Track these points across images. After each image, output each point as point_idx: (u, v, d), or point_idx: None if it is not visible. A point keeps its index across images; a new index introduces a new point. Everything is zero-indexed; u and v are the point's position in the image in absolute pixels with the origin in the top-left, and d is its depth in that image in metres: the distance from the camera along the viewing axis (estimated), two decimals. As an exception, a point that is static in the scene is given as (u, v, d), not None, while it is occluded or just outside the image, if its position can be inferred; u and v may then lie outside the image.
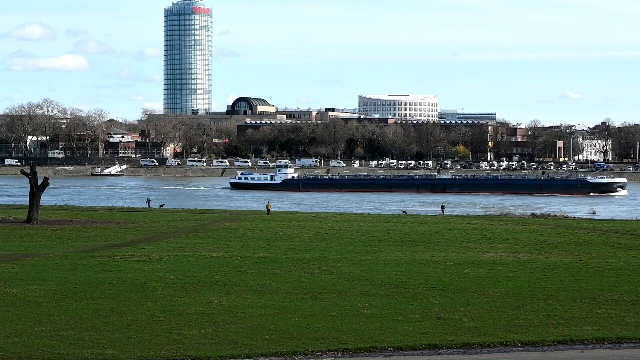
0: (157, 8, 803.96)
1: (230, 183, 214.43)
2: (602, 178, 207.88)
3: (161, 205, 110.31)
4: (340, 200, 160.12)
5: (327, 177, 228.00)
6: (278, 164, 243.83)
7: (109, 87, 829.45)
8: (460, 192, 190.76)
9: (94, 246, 58.04)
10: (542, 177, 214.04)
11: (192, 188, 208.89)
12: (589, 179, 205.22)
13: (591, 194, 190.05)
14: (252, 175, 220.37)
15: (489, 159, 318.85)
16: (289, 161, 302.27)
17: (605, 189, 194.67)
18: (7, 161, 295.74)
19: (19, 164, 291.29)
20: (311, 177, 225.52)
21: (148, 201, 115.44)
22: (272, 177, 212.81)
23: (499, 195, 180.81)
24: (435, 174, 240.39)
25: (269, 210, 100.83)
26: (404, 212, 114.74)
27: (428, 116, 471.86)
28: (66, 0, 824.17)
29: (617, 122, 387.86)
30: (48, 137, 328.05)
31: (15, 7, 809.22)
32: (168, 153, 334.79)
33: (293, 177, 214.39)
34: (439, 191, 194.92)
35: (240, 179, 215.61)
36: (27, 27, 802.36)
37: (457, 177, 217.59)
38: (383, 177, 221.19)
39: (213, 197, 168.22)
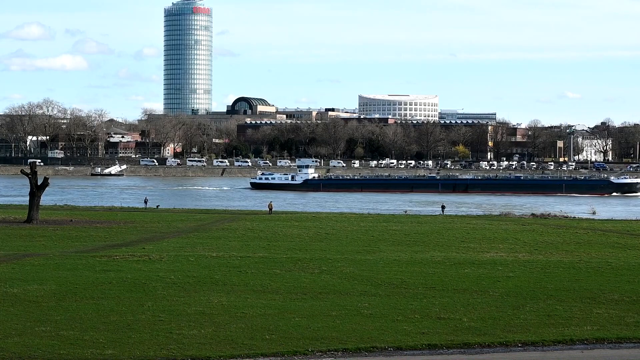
0: (155, 8, 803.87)
1: (251, 183, 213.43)
2: (625, 178, 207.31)
3: (157, 206, 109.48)
4: (362, 201, 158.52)
5: (348, 177, 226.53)
6: (298, 164, 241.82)
7: (108, 87, 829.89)
8: (483, 193, 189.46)
9: (94, 246, 58.06)
10: (565, 178, 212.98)
11: (207, 188, 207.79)
12: (612, 179, 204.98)
13: (614, 194, 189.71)
14: (272, 176, 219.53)
15: (489, 159, 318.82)
16: (289, 161, 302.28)
17: (628, 189, 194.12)
18: (30, 161, 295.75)
19: (42, 164, 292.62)
20: (332, 177, 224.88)
21: (145, 201, 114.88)
22: (293, 177, 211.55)
23: (522, 196, 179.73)
24: (457, 174, 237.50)
25: (270, 209, 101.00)
26: (405, 211, 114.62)
27: (428, 116, 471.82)
28: (64, 0, 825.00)
29: (617, 122, 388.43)
30: (48, 137, 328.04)
31: (13, 7, 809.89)
32: (168, 153, 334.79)
33: (314, 177, 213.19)
34: (461, 191, 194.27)
35: (260, 179, 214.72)
36: (26, 27, 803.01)
37: (480, 178, 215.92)
38: (405, 178, 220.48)
39: (237, 198, 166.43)
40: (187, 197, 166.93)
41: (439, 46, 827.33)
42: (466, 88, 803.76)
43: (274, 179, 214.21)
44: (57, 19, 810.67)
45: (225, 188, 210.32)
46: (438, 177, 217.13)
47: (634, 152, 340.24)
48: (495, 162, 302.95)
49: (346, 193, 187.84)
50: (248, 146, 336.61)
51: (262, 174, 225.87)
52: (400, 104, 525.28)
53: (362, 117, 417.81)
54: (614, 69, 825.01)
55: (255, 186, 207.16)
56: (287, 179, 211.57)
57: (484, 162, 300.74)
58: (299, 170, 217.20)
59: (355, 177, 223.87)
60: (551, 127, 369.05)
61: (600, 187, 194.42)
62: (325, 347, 28.44)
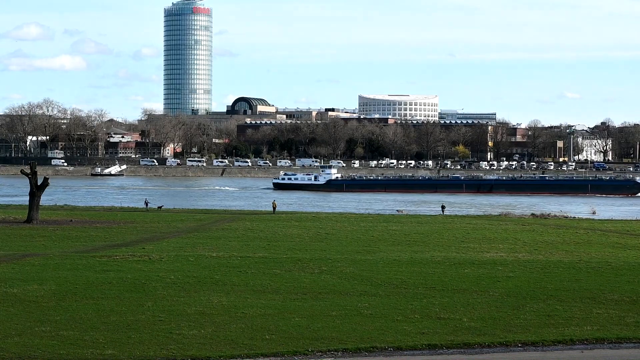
0: (154, 8, 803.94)
1: (274, 184, 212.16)
2: None
3: (159, 207, 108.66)
4: (386, 201, 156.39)
5: (371, 177, 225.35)
6: (320, 165, 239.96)
7: (107, 87, 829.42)
8: (507, 193, 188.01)
9: (94, 246, 58.07)
10: (590, 178, 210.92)
11: (225, 188, 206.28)
12: (638, 179, 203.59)
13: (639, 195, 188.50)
14: (295, 176, 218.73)
15: (489, 159, 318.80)
16: (289, 161, 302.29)
17: None
18: (54, 162, 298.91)
19: (65, 164, 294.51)
20: (355, 177, 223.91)
21: (146, 203, 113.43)
22: (315, 178, 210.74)
23: (547, 196, 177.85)
24: (482, 174, 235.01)
25: (274, 208, 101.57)
26: (398, 211, 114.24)
27: (428, 116, 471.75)
28: (63, 0, 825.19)
29: (616, 122, 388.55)
30: (48, 137, 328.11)
31: (12, 7, 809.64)
32: (168, 153, 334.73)
33: (337, 177, 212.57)
34: (486, 192, 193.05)
35: (283, 179, 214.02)
36: (25, 28, 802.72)
37: (504, 178, 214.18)
38: (428, 178, 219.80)
39: (263, 198, 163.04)
40: (205, 198, 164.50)
41: (439, 46, 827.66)
42: (466, 88, 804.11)
43: (296, 179, 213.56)
44: (55, 19, 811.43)
45: (245, 188, 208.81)
46: (462, 178, 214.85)
47: (634, 152, 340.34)
48: (495, 162, 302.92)
49: (369, 193, 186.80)
50: (248, 146, 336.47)
51: (285, 174, 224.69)
52: (400, 104, 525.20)
53: (362, 117, 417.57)
54: (614, 69, 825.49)
55: (278, 186, 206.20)
56: (310, 179, 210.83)
57: (484, 162, 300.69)
58: (322, 171, 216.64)
59: (379, 178, 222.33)
60: (551, 127, 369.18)
61: (627, 188, 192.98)
62: (325, 347, 28.43)
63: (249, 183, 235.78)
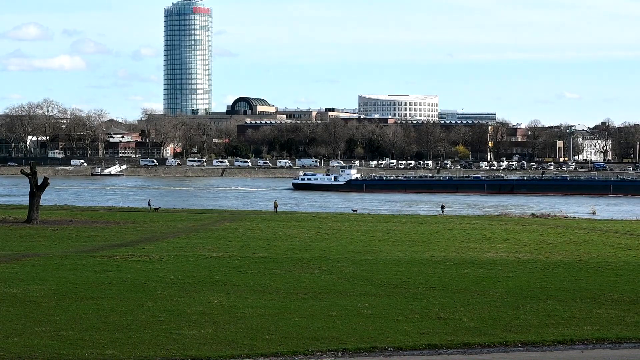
0: (154, 8, 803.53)
1: (293, 184, 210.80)
2: None
3: (156, 209, 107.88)
4: (405, 202, 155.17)
5: (391, 177, 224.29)
6: (340, 165, 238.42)
7: (107, 87, 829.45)
8: (529, 194, 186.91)
9: (94, 246, 58.07)
10: (612, 178, 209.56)
11: (238, 188, 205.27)
12: None
13: None
14: (315, 176, 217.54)
15: (489, 159, 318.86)
16: (289, 161, 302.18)
17: None
18: (73, 161, 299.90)
19: (85, 164, 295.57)
20: (376, 177, 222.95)
21: (149, 204, 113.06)
22: (335, 178, 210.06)
23: (569, 197, 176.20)
24: (503, 175, 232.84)
25: (276, 207, 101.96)
26: (353, 210, 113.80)
27: (428, 116, 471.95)
28: (62, 0, 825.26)
29: (616, 122, 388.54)
30: (48, 137, 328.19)
31: (11, 7, 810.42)
32: (168, 153, 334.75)
33: (357, 177, 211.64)
34: (507, 192, 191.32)
35: (303, 179, 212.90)
36: (24, 28, 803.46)
37: (525, 178, 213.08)
38: (449, 178, 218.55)
39: (284, 198, 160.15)
40: (214, 198, 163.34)
41: (439, 46, 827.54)
42: (466, 88, 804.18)
43: (316, 179, 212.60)
44: (54, 19, 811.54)
45: (268, 188, 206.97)
46: (483, 178, 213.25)
47: (634, 152, 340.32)
48: (495, 162, 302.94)
49: (390, 194, 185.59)
50: (248, 146, 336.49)
51: (305, 174, 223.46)
52: (400, 104, 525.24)
53: (362, 117, 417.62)
54: (614, 69, 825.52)
55: (297, 187, 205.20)
56: (329, 180, 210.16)
57: (484, 162, 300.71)
58: (342, 171, 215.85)
59: (399, 178, 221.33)
60: (551, 127, 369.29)
61: None
62: (325, 347, 28.42)
63: (258, 184, 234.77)
